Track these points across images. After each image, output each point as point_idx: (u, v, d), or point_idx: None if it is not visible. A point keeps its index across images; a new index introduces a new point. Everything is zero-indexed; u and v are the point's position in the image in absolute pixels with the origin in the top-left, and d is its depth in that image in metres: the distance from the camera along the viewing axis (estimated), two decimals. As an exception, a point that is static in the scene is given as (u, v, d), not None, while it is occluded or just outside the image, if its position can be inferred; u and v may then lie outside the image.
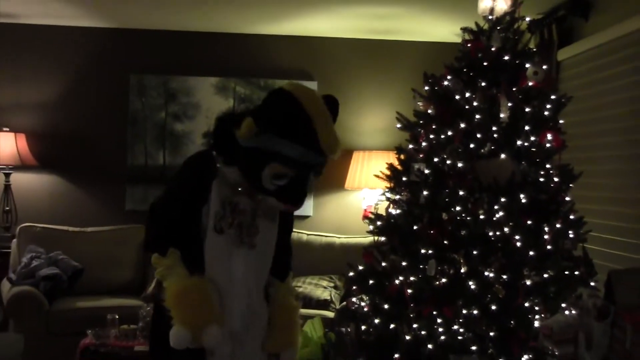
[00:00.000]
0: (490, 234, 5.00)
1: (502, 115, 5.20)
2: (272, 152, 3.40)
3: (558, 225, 5.11)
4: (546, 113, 5.27)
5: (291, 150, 3.40)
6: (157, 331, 3.80)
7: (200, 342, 3.43)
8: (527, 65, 5.33)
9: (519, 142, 5.19)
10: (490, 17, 5.43)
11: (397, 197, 5.34)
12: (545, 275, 5.00)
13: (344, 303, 4.62)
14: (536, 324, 4.84)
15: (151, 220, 3.77)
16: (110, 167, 8.75)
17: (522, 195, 5.05)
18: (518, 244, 4.97)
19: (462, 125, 5.22)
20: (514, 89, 5.28)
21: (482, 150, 5.19)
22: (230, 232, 3.60)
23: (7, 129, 8.41)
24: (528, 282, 4.96)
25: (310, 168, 3.66)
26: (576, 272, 5.08)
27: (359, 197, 8.66)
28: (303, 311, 5.16)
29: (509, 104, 5.22)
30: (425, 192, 5.18)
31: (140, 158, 8.79)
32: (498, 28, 5.39)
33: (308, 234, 8.66)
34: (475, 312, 4.93)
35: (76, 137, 8.72)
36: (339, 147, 3.58)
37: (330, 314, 7.42)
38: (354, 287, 5.35)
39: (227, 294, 3.66)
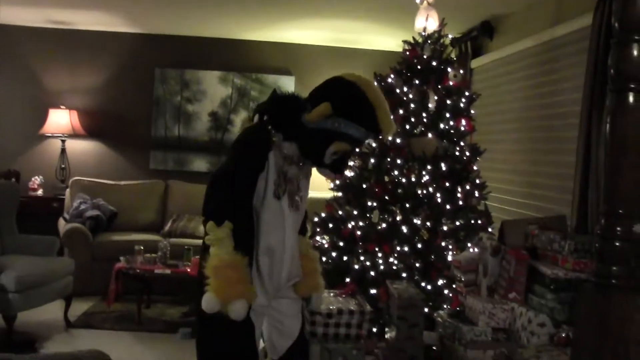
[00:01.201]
0: (419, 192, 5.06)
1: (430, 106, 5.25)
2: (341, 133, 3.21)
3: (468, 187, 5.19)
4: (462, 105, 5.33)
5: (357, 132, 3.23)
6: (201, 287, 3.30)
7: (226, 312, 3.09)
8: (449, 70, 5.39)
9: (442, 126, 5.24)
10: (423, 33, 5.48)
11: (352, 163, 5.37)
12: (457, 223, 5.08)
13: (311, 240, 4.18)
14: (449, 258, 4.93)
15: (212, 189, 3.36)
16: (139, 137, 8.71)
17: (443, 165, 5.12)
18: (439, 200, 5.04)
19: (401, 112, 5.27)
20: (439, 87, 5.32)
21: (415, 131, 5.24)
22: (284, 198, 3.29)
23: (64, 107, 8.41)
24: (445, 228, 5.04)
25: (361, 145, 3.62)
26: (479, 222, 5.16)
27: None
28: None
29: (435, 98, 5.27)
30: (372, 160, 5.23)
31: (161, 130, 8.76)
32: (429, 42, 5.42)
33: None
34: (406, 249, 5.00)
35: (114, 114, 8.69)
36: (394, 129, 3.49)
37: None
38: (318, 229, 5.38)
39: (280, 253, 3.35)
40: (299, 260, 3.47)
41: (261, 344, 3.60)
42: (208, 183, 3.36)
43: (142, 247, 6.71)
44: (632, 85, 2.07)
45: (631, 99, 2.09)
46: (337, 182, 5.31)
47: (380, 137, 3.95)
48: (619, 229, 2.13)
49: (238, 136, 3.47)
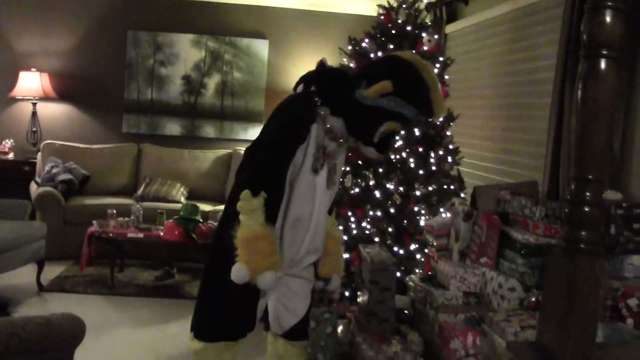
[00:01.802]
0: (392, 157, 5.08)
1: (404, 71, 5.26)
2: (395, 113, 3.16)
3: (441, 153, 5.21)
4: (436, 70, 5.34)
5: (410, 112, 3.19)
6: (219, 256, 3.36)
7: (255, 282, 3.10)
8: (424, 35, 5.38)
9: (415, 91, 5.25)
10: (398, -2, 5.47)
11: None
12: (430, 188, 5.11)
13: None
14: (422, 223, 4.97)
15: (252, 157, 3.30)
16: (112, 100, 8.63)
17: (416, 130, 5.14)
18: (412, 165, 5.07)
19: (375, 77, 5.27)
20: (413, 52, 5.32)
21: (388, 96, 5.24)
22: (321, 172, 3.25)
23: (35, 69, 8.28)
24: (418, 193, 5.07)
25: (410, 125, 3.61)
26: (452, 187, 5.20)
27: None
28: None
29: (409, 63, 5.27)
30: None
31: (134, 93, 8.68)
32: (404, 6, 5.41)
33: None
34: (379, 213, 5.03)
35: (87, 77, 8.58)
36: (445, 112, 3.44)
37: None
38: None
39: (306, 226, 3.31)
40: (323, 237, 3.45)
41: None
42: (248, 150, 3.32)
43: (114, 211, 6.68)
44: (604, 52, 2.09)
45: (603, 65, 2.10)
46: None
47: (431, 118, 3.91)
48: (588, 194, 2.16)
49: (281, 103, 3.38)
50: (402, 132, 5.06)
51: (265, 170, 3.21)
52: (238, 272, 3.10)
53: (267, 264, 3.10)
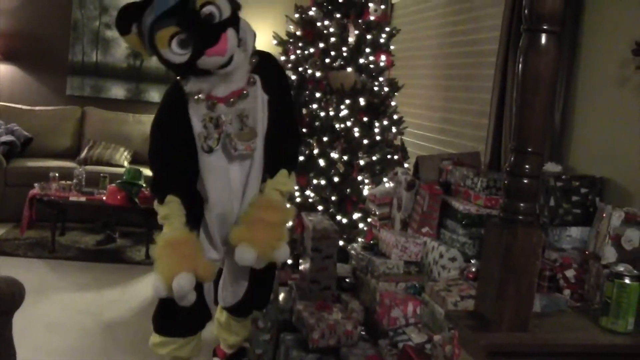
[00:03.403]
0: (337, 126, 5.07)
1: (350, 39, 5.23)
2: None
3: (385, 122, 5.21)
4: (381, 40, 5.32)
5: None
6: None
7: (171, 292, 2.87)
8: (370, 4, 5.35)
9: (361, 60, 5.22)
10: (346, -34, 5.42)
11: (270, 95, 5.33)
12: (374, 158, 5.11)
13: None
14: (365, 192, 4.97)
15: (150, 167, 3.18)
16: (56, 62, 8.47)
17: (361, 99, 5.12)
18: (356, 134, 5.06)
19: (321, 45, 5.24)
20: (359, 21, 5.29)
21: (334, 64, 5.21)
22: (217, 149, 2.96)
23: (-24, 28, 8.10)
24: (361, 162, 5.07)
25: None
26: (395, 157, 5.21)
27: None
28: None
29: (356, 32, 5.25)
30: (291, 93, 5.20)
31: (78, 55, 8.52)
32: (351, -26, 5.38)
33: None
34: (322, 182, 5.02)
35: (31, 37, 8.39)
36: None
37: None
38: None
39: (227, 209, 3.07)
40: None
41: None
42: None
43: (57, 174, 6.61)
44: (545, 27, 2.10)
45: (543, 39, 2.11)
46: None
47: None
48: (527, 166, 2.16)
49: None
50: (348, 102, 5.05)
51: (158, 178, 3.10)
52: (155, 288, 2.94)
53: (179, 267, 2.89)
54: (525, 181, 2.18)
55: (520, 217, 2.18)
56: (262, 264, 3.11)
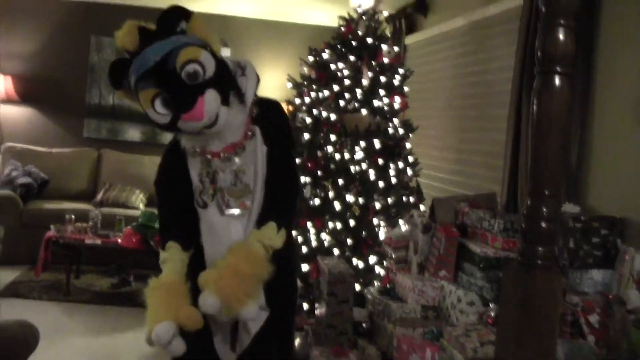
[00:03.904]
0: (352, 168, 5.05)
1: (364, 82, 5.23)
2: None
3: (400, 164, 5.20)
4: (395, 82, 5.33)
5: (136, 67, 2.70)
6: None
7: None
8: (383, 47, 5.37)
9: (375, 102, 5.23)
10: (359, 10, 5.45)
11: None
12: (389, 200, 5.08)
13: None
14: (381, 234, 4.94)
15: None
16: (74, 104, 8.55)
17: (376, 141, 5.11)
18: (371, 176, 5.04)
19: (335, 87, 5.24)
20: (373, 63, 5.30)
21: (349, 107, 5.21)
22: (212, 204, 2.79)
23: (-2, 72, 8.24)
24: (377, 205, 5.04)
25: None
26: (411, 199, 5.18)
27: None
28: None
29: (370, 74, 5.26)
30: (306, 135, 5.20)
31: (95, 98, 8.60)
32: (364, 18, 5.41)
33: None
34: (338, 225, 4.98)
35: (49, 80, 8.50)
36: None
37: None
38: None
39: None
40: None
41: None
42: None
43: (73, 216, 6.61)
44: (558, 68, 2.08)
45: (557, 81, 2.09)
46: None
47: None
48: (544, 209, 2.12)
49: None
50: (363, 144, 5.04)
51: (161, 225, 2.98)
52: (146, 339, 2.69)
53: (160, 315, 2.64)
54: (543, 225, 2.14)
55: (539, 262, 2.14)
56: (226, 317, 2.74)
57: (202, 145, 2.78)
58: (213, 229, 2.84)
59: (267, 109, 2.88)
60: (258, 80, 2.84)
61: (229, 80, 2.70)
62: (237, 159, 2.78)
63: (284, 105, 5.72)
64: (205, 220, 2.83)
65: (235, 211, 2.80)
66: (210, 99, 2.57)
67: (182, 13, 2.66)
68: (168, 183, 2.93)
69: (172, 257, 2.83)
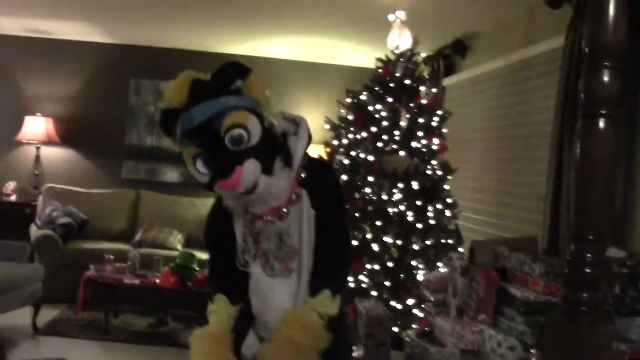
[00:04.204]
0: (390, 210, 5.02)
1: (402, 123, 5.23)
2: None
3: (439, 206, 5.15)
4: (434, 123, 5.31)
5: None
6: None
7: None
8: (422, 88, 5.37)
9: (413, 144, 5.21)
10: (396, 51, 5.46)
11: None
12: (428, 242, 5.04)
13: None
14: (419, 277, 4.88)
15: None
16: (112, 146, 8.68)
17: (414, 183, 5.08)
18: (409, 218, 5.00)
19: (373, 129, 5.24)
20: (411, 105, 5.29)
21: (387, 148, 5.21)
22: (255, 263, 2.72)
23: (40, 114, 8.38)
24: (415, 247, 5.00)
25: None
26: (449, 241, 5.13)
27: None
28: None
29: (407, 115, 5.25)
30: (344, 177, 5.19)
31: (134, 140, 8.70)
32: (401, 60, 5.41)
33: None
34: (376, 267, 4.95)
35: (89, 122, 8.65)
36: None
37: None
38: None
39: (270, 324, 2.74)
40: None
41: None
42: None
43: (111, 256, 6.65)
44: (602, 111, 2.04)
45: (601, 124, 2.05)
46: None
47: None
48: (588, 255, 2.08)
49: None
50: (401, 186, 5.02)
51: (209, 275, 2.98)
52: None
53: None
54: (587, 270, 2.09)
55: (584, 308, 2.08)
56: None
57: (245, 206, 2.71)
58: (259, 287, 2.77)
59: (315, 172, 2.76)
60: (310, 140, 2.76)
61: (273, 149, 2.60)
62: (280, 223, 2.69)
63: (321, 148, 5.72)
64: (250, 278, 2.77)
65: (281, 273, 2.72)
66: (250, 169, 2.48)
67: (238, 71, 2.58)
68: (215, 238, 2.88)
69: (219, 310, 2.80)
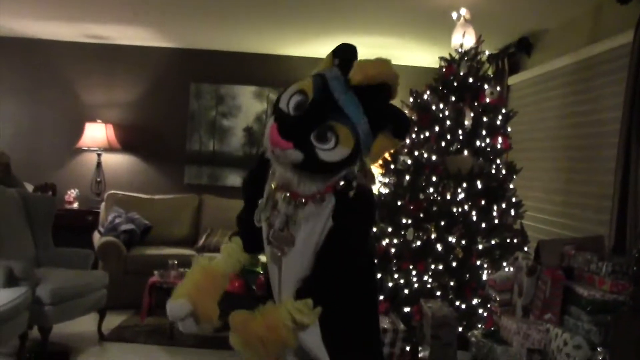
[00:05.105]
0: (454, 210, 5.06)
1: (466, 123, 5.26)
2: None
3: (503, 206, 5.18)
4: (498, 122, 5.32)
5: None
6: None
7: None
8: (486, 87, 5.39)
9: (477, 143, 5.24)
10: (460, 50, 5.49)
11: (387, 180, 5.39)
12: (493, 242, 5.07)
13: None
14: (484, 277, 4.92)
15: None
16: (174, 151, 8.81)
17: (478, 183, 5.12)
18: (474, 218, 5.04)
19: (437, 129, 5.29)
20: (475, 104, 5.32)
21: (451, 148, 5.24)
22: (264, 225, 2.77)
23: (100, 121, 8.53)
24: (480, 247, 5.04)
25: None
26: (515, 241, 5.15)
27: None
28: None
29: (471, 115, 5.27)
30: (407, 178, 5.25)
31: (196, 145, 8.84)
32: (465, 59, 5.43)
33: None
34: (440, 267, 5.00)
35: (150, 128, 8.80)
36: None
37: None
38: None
39: (273, 286, 2.85)
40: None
41: None
42: None
43: (175, 262, 6.75)
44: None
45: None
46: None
47: None
48: (656, 251, 2.13)
49: None
50: (465, 186, 5.07)
51: (238, 216, 3.04)
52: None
53: (180, 290, 2.80)
54: (654, 267, 2.14)
55: (650, 305, 2.14)
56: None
57: (279, 176, 2.73)
58: (268, 251, 2.84)
59: (358, 193, 2.70)
60: (372, 175, 2.84)
61: (332, 170, 2.64)
62: (292, 208, 2.70)
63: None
64: (261, 235, 2.84)
65: (274, 246, 2.77)
66: (298, 156, 2.54)
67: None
68: (251, 185, 2.96)
69: (230, 252, 2.95)
